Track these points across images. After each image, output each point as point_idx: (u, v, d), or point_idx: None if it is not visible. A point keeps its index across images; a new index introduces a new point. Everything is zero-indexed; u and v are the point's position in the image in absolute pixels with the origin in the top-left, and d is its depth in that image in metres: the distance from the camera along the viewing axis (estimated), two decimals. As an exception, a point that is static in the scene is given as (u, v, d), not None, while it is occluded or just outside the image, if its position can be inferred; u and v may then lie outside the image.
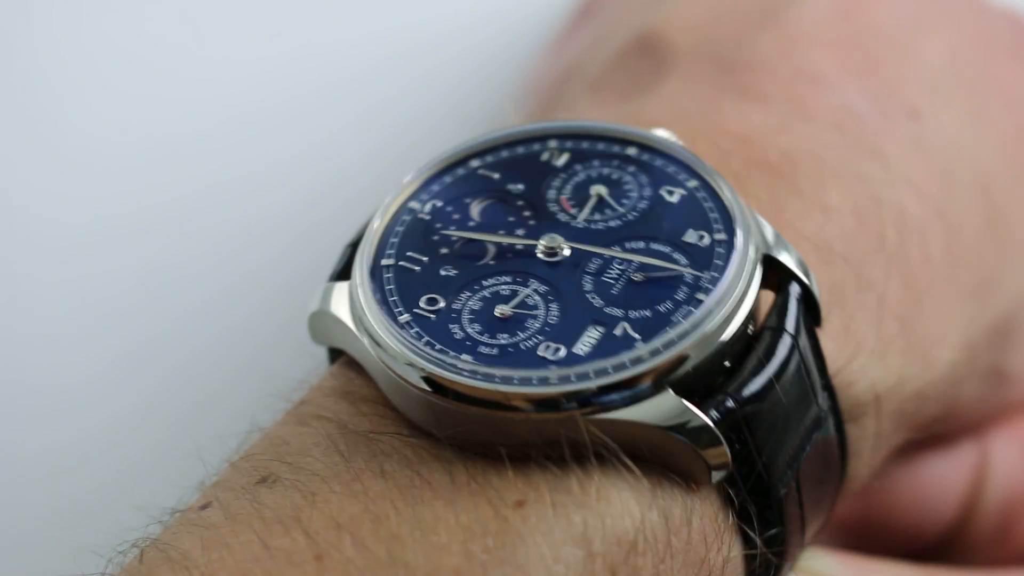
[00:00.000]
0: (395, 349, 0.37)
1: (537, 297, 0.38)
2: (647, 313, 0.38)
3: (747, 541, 0.39)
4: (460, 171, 0.42)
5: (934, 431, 0.49)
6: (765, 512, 0.39)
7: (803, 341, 0.39)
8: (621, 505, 0.36)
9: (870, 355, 0.43)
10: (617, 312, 0.38)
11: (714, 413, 0.36)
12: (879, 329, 0.43)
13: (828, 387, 0.40)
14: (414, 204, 0.41)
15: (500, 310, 0.38)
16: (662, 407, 0.36)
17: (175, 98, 0.65)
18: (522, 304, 0.38)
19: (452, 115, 0.65)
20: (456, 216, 0.41)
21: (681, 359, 0.36)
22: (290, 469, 0.37)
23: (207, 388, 0.58)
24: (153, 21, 0.67)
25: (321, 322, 0.40)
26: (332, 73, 0.66)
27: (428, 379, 0.37)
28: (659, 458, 0.37)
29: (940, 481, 0.51)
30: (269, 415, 0.40)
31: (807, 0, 0.50)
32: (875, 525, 0.51)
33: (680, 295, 0.38)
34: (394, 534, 0.35)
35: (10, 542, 0.53)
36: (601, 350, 0.37)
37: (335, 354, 0.41)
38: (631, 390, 0.36)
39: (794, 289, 0.39)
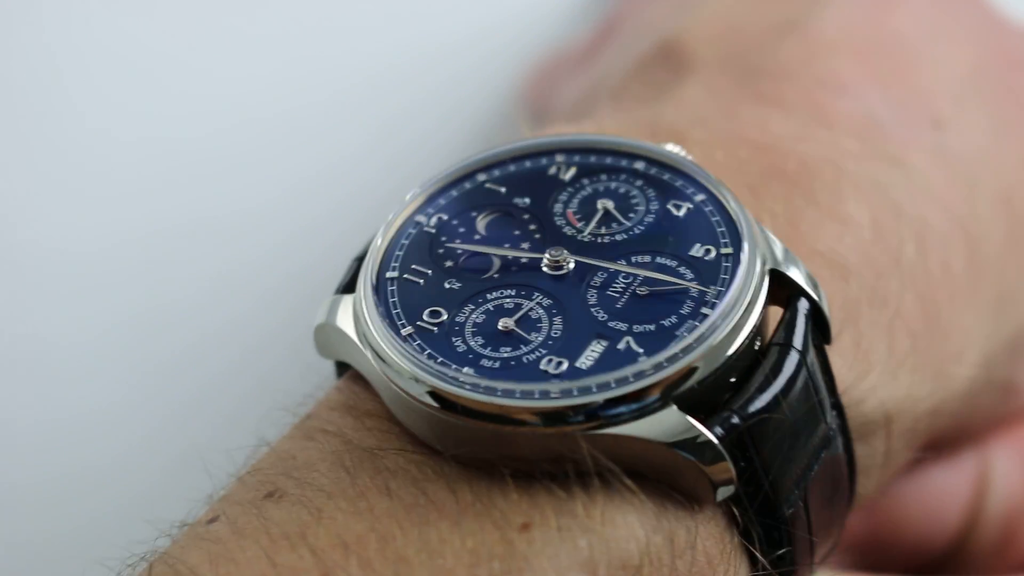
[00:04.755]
0: (398, 363, 0.37)
1: (541, 310, 0.38)
2: (651, 327, 0.37)
3: (754, 563, 0.39)
4: (467, 185, 0.42)
5: (940, 443, 0.49)
6: (771, 532, 0.38)
7: (811, 358, 0.39)
8: (626, 528, 0.36)
9: (881, 373, 0.43)
10: (621, 326, 0.38)
11: (719, 429, 0.36)
12: (892, 346, 0.43)
13: (837, 405, 0.40)
14: (420, 217, 0.41)
15: (503, 323, 0.38)
16: (666, 423, 0.36)
17: (184, 117, 0.66)
18: (525, 317, 0.38)
19: (463, 129, 0.65)
20: (462, 230, 0.41)
21: (686, 373, 0.36)
22: (296, 484, 0.37)
23: (216, 403, 0.58)
24: (159, 40, 0.67)
25: (326, 335, 0.40)
26: (340, 90, 0.67)
27: (432, 393, 0.37)
28: (663, 475, 0.37)
29: (943, 493, 0.51)
30: (276, 430, 0.40)
31: (830, 8, 0.50)
32: (880, 540, 0.51)
33: (685, 309, 0.38)
34: (401, 556, 0.35)
35: (21, 557, 0.54)
36: (604, 364, 0.37)
37: (342, 368, 0.41)
38: (636, 403, 0.36)
39: (802, 305, 0.39)
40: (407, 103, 0.66)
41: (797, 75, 0.48)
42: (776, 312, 0.40)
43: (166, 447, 0.57)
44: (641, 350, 0.37)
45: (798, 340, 0.38)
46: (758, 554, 0.38)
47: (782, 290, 0.39)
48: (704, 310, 0.38)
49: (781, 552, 0.39)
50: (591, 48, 0.62)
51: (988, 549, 0.51)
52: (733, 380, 0.38)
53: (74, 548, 0.45)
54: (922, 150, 0.47)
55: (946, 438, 0.49)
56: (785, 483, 0.38)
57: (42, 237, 0.61)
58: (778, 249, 0.40)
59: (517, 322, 0.38)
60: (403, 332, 0.38)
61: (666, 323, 0.38)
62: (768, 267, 0.39)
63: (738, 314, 0.37)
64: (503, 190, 0.41)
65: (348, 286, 0.41)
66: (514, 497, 0.36)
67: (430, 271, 0.40)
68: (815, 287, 0.40)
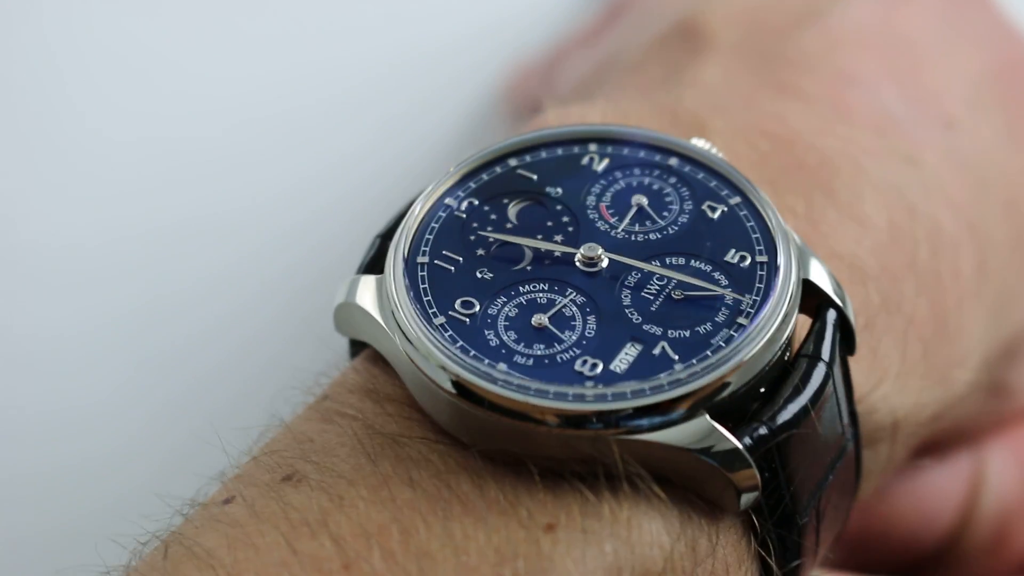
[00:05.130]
0: (428, 349, 0.37)
1: (574, 308, 0.38)
2: (686, 333, 0.37)
3: (766, 571, 0.39)
4: (498, 169, 0.41)
5: (935, 445, 0.49)
6: (785, 541, 0.38)
7: (837, 369, 0.39)
8: (651, 534, 0.36)
9: (894, 381, 0.43)
10: (656, 330, 0.37)
11: (747, 439, 0.36)
12: (905, 353, 0.43)
13: (853, 414, 0.40)
14: (449, 200, 0.40)
15: (537, 319, 0.38)
16: (696, 430, 0.36)
17: (182, 115, 0.65)
18: (559, 314, 0.38)
19: (460, 130, 0.65)
20: (493, 217, 0.40)
21: (721, 384, 0.36)
22: (316, 469, 0.36)
23: (228, 381, 0.58)
24: (158, 38, 0.67)
25: (347, 314, 0.40)
26: (339, 89, 0.67)
27: (458, 384, 0.36)
28: (689, 482, 0.37)
29: (937, 492, 0.51)
30: (290, 408, 0.40)
31: (852, 3, 0.50)
32: (873, 537, 0.51)
33: (720, 317, 0.37)
34: (424, 550, 0.34)
35: (37, 537, 0.53)
36: (639, 369, 0.36)
37: (356, 347, 0.41)
38: (664, 415, 0.36)
39: (831, 315, 0.39)
40: (405, 103, 0.66)
41: (817, 67, 0.48)
42: (803, 319, 0.39)
43: (176, 424, 0.56)
44: (676, 356, 0.37)
45: (826, 352, 0.38)
46: (773, 564, 0.38)
47: (810, 299, 0.39)
48: (740, 320, 0.37)
49: (795, 563, 0.39)
50: (598, 28, 0.61)
51: (981, 548, 0.51)
52: (763, 390, 0.37)
53: (87, 527, 0.45)
54: (935, 150, 0.47)
55: (940, 439, 0.50)
56: (804, 494, 0.38)
57: (44, 232, 0.61)
58: (808, 256, 0.40)
59: (551, 319, 0.38)
60: (435, 321, 0.37)
61: (701, 330, 0.37)
62: (801, 277, 0.39)
63: (774, 326, 0.37)
64: (535, 177, 0.41)
65: (371, 266, 0.40)
66: (541, 496, 0.36)
67: (461, 258, 0.39)
68: (843, 298, 0.40)
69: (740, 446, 0.36)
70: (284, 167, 0.64)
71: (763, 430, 0.36)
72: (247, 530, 0.35)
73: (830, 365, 0.38)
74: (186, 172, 0.63)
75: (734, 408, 0.37)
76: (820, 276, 0.39)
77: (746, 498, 0.37)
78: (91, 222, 0.61)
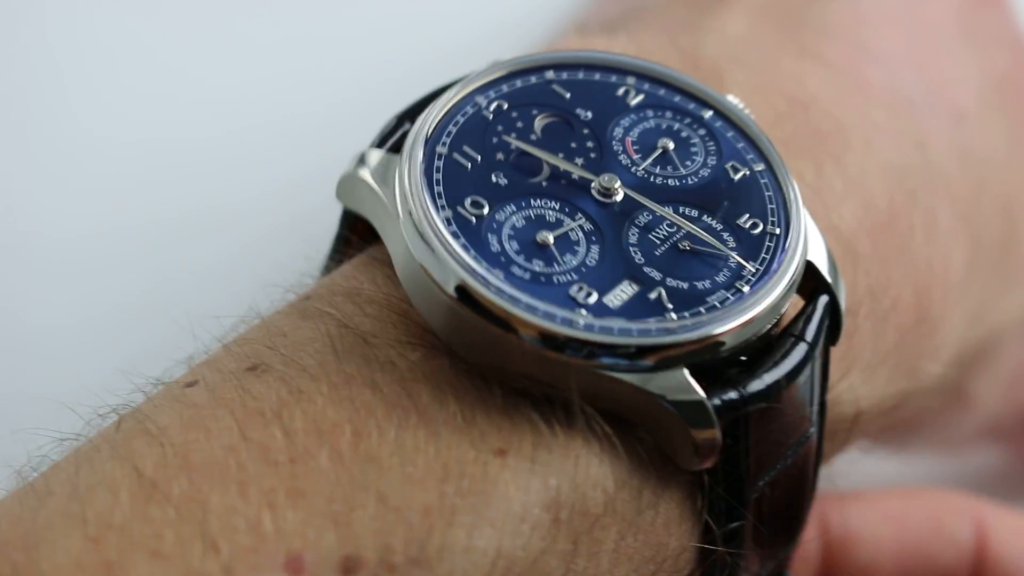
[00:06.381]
0: (429, 236, 0.36)
1: (581, 234, 0.37)
2: (684, 285, 0.37)
3: (705, 536, 0.38)
4: (533, 79, 0.40)
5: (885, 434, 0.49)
6: (732, 513, 0.38)
7: (817, 355, 0.38)
8: (598, 477, 0.36)
9: (863, 371, 0.42)
10: (656, 275, 0.37)
11: (716, 400, 0.36)
12: (879, 341, 0.43)
13: (823, 405, 0.40)
14: (480, 99, 0.40)
15: (542, 236, 0.37)
16: (670, 381, 0.35)
17: (180, 112, 0.66)
18: (564, 236, 0.37)
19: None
20: (519, 125, 0.39)
21: (706, 344, 0.36)
22: (282, 360, 0.36)
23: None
24: (156, 36, 0.68)
25: (353, 187, 0.39)
26: (336, 89, 0.67)
27: (458, 284, 0.36)
28: (651, 430, 0.36)
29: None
30: (269, 304, 0.40)
31: None
32: None
33: (721, 278, 0.37)
34: (373, 455, 0.34)
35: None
36: (631, 309, 0.36)
37: (348, 220, 0.40)
38: (643, 360, 0.35)
39: (822, 301, 0.39)
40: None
41: (841, 37, 0.47)
42: (796, 300, 0.39)
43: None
44: (671, 306, 0.36)
45: (811, 335, 0.38)
46: (715, 527, 0.38)
47: (808, 280, 0.39)
48: (740, 285, 0.37)
49: (733, 528, 0.38)
50: None
51: None
52: (744, 359, 0.37)
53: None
54: (943, 139, 0.46)
55: (895, 428, 0.49)
56: (759, 470, 0.38)
57: (43, 223, 0.62)
58: (814, 237, 0.39)
59: (556, 238, 0.37)
60: (442, 213, 0.37)
61: (700, 286, 0.37)
62: (805, 258, 0.38)
63: (771, 299, 0.37)
64: (568, 95, 0.40)
65: (384, 141, 0.40)
66: (498, 420, 0.35)
67: (479, 157, 0.38)
68: (837, 284, 0.39)
69: (707, 402, 0.36)
70: (284, 164, 0.64)
71: (733, 395, 0.36)
72: (202, 413, 0.35)
73: (812, 348, 0.38)
74: (185, 166, 0.64)
75: (712, 369, 0.36)
76: (820, 259, 0.39)
77: (702, 457, 0.36)
78: (88, 214, 0.62)
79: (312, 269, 0.41)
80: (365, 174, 0.39)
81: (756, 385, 0.36)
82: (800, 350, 0.38)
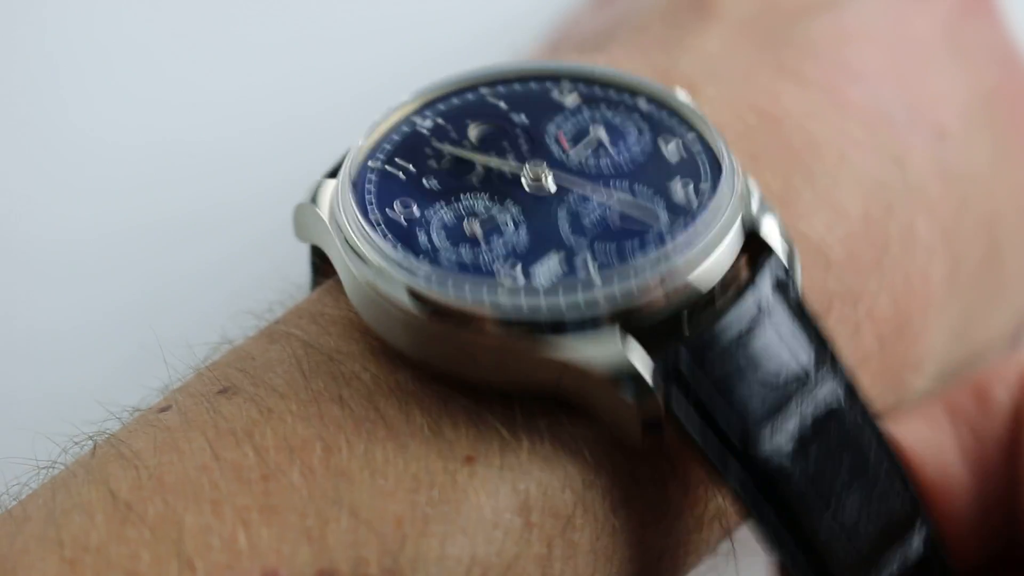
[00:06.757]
0: (356, 242, 0.37)
1: (509, 220, 0.38)
2: (613, 250, 0.37)
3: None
4: (469, 96, 0.42)
5: None
6: (745, 484, 0.37)
7: (769, 303, 0.38)
8: (564, 478, 0.36)
9: None
10: (583, 244, 0.37)
11: (659, 362, 0.36)
12: (858, 347, 0.43)
13: (833, 362, 0.38)
14: (416, 119, 0.41)
15: (468, 225, 0.38)
16: (608, 348, 0.36)
17: (187, 106, 0.67)
18: (491, 222, 0.38)
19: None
20: (453, 135, 0.41)
21: (636, 303, 0.36)
22: (251, 382, 0.37)
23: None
24: (155, 35, 0.69)
25: (304, 216, 0.40)
26: (335, 89, 0.68)
27: (381, 274, 0.37)
28: (598, 408, 0.36)
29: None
30: (241, 332, 0.41)
31: (862, 2, 0.50)
32: None
33: (650, 238, 0.38)
34: (343, 470, 0.35)
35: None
36: (558, 277, 0.37)
37: (316, 255, 0.41)
38: (580, 319, 0.36)
39: (773, 259, 0.38)
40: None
41: (821, 55, 0.48)
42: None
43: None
44: (596, 271, 0.37)
45: (761, 285, 0.38)
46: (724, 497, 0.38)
47: (756, 249, 0.39)
48: (667, 240, 0.37)
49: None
50: None
51: None
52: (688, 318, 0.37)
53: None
54: (924, 155, 0.47)
55: None
56: (750, 430, 0.37)
57: (40, 226, 0.62)
58: (766, 211, 0.39)
59: (483, 225, 0.38)
60: (371, 217, 0.38)
61: (628, 247, 0.37)
62: (744, 216, 0.38)
63: (699, 249, 0.37)
64: (503, 105, 0.41)
65: (336, 171, 0.41)
66: (463, 429, 0.36)
67: (412, 167, 0.40)
68: (791, 251, 0.39)
69: (633, 364, 0.36)
70: (284, 165, 0.64)
71: (672, 354, 0.36)
72: (175, 435, 0.36)
73: (759, 295, 0.37)
74: (184, 170, 0.65)
75: (654, 333, 0.36)
76: (771, 228, 0.39)
77: (648, 428, 0.36)
78: (86, 216, 0.63)
79: (291, 287, 0.42)
80: (306, 203, 0.40)
81: (692, 337, 0.36)
82: (748, 301, 0.37)
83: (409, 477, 0.35)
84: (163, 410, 0.37)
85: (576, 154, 0.40)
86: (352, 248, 0.38)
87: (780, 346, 0.38)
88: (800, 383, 0.38)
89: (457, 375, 0.37)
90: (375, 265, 0.37)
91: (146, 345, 0.56)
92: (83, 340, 0.59)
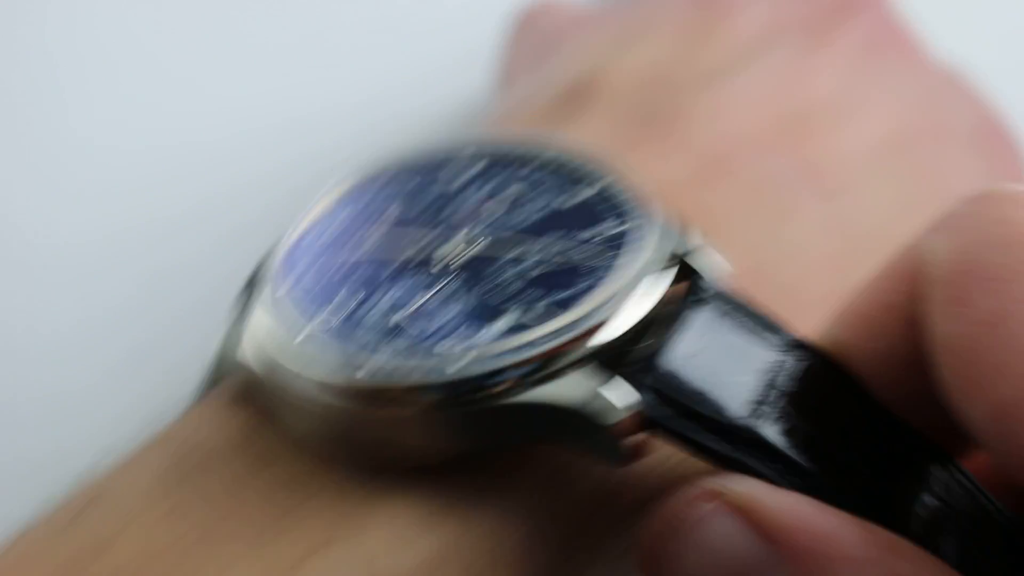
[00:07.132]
0: (287, 367, 0.37)
1: (435, 300, 0.38)
2: (542, 302, 0.37)
3: None
4: (368, 196, 0.42)
5: None
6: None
7: (714, 301, 0.38)
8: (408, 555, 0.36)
9: None
10: (514, 308, 0.37)
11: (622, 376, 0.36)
12: None
13: (793, 344, 0.38)
14: (324, 221, 0.41)
15: (397, 318, 0.38)
16: (576, 386, 0.36)
17: (187, 108, 0.67)
18: (420, 309, 0.38)
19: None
20: (365, 230, 0.41)
21: (571, 348, 0.36)
22: (117, 491, 0.37)
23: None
24: (154, 35, 0.69)
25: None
26: (334, 89, 0.68)
27: (325, 387, 0.36)
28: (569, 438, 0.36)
29: None
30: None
31: (758, 63, 0.51)
32: None
33: (580, 283, 0.38)
34: (199, 569, 0.35)
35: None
36: (499, 338, 0.36)
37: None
38: (535, 371, 0.36)
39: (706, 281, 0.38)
40: (392, 119, 0.66)
41: (707, 124, 0.48)
42: None
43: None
44: (533, 324, 0.36)
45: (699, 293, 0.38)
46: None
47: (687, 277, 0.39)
48: (595, 283, 0.37)
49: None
50: (517, 61, 0.62)
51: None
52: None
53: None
54: (809, 217, 0.47)
55: None
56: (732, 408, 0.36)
57: (38, 227, 0.63)
58: (689, 235, 0.39)
59: (412, 315, 0.38)
60: (300, 338, 0.37)
61: (558, 297, 0.37)
62: (672, 251, 0.38)
63: (627, 282, 0.37)
64: (396, 206, 0.41)
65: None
66: (326, 513, 0.36)
67: (328, 275, 0.39)
68: (717, 265, 0.39)
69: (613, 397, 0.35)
70: (285, 166, 0.65)
71: (636, 367, 0.36)
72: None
73: (695, 303, 0.38)
74: (184, 172, 0.65)
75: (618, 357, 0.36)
76: (698, 254, 0.39)
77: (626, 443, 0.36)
78: (86, 216, 0.63)
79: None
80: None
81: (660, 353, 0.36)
82: (696, 309, 0.37)
83: (260, 570, 0.35)
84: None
85: (492, 223, 0.40)
86: (284, 367, 0.37)
87: (736, 346, 0.38)
88: (770, 368, 0.37)
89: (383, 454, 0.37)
90: (306, 375, 0.37)
91: (145, 346, 0.57)
92: (83, 340, 0.59)
